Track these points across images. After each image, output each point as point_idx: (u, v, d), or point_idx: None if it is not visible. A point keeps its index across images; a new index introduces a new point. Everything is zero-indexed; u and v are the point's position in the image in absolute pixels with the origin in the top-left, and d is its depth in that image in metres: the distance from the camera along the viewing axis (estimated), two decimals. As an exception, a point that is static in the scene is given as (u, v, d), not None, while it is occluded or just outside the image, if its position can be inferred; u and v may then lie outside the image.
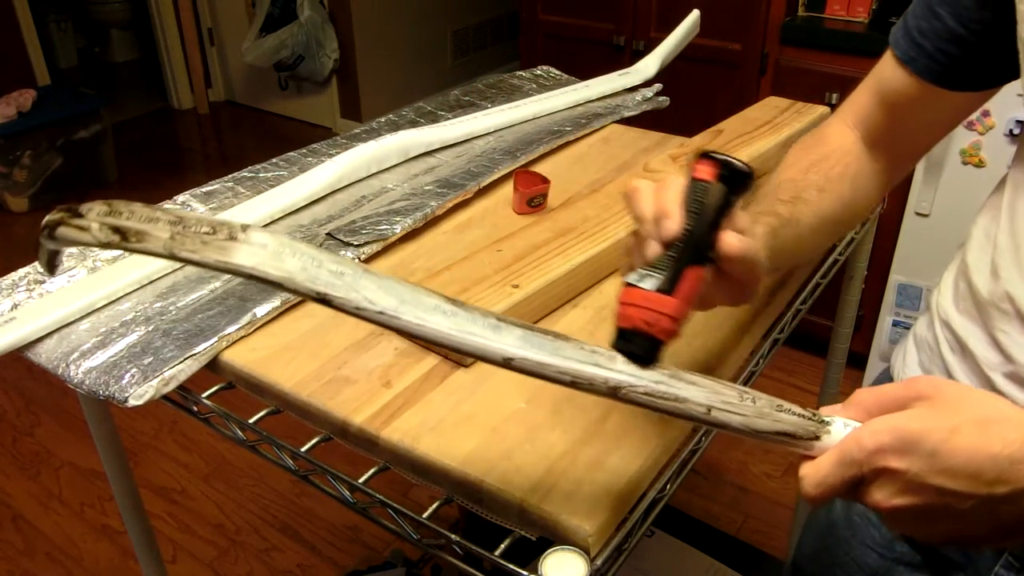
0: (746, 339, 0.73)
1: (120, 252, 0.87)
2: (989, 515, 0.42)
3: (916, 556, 0.67)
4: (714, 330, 0.73)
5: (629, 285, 0.49)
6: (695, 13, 1.37)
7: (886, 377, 0.73)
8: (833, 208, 0.64)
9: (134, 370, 0.69)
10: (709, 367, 0.69)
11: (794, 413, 0.46)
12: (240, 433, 0.71)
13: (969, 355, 0.60)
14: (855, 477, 0.44)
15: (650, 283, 0.48)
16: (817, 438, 0.46)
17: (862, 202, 0.67)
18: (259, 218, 0.91)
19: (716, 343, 0.72)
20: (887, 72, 0.65)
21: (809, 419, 0.46)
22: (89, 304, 0.78)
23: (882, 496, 0.43)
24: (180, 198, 0.97)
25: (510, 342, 0.45)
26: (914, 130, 0.66)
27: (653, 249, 0.49)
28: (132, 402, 0.66)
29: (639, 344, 0.48)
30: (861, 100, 0.68)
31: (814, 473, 0.45)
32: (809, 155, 0.67)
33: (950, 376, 0.62)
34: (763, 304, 0.78)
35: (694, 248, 0.48)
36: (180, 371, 0.69)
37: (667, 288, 0.48)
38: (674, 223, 0.48)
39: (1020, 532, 0.43)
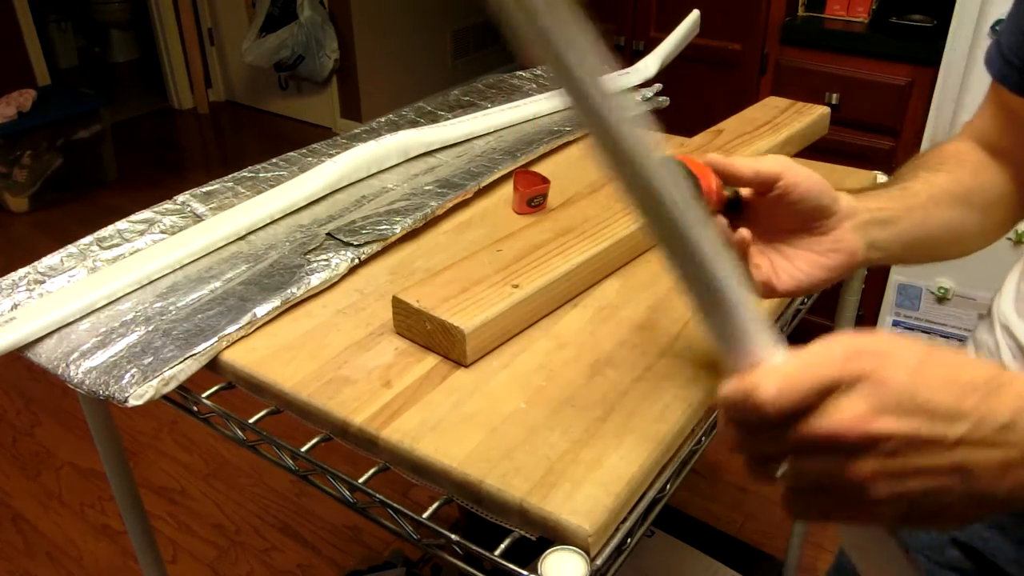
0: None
1: (120, 252, 0.87)
2: (957, 471, 0.36)
3: (967, 562, 0.66)
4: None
5: None
6: (695, 13, 1.37)
7: None
8: (949, 183, 0.63)
9: (134, 370, 0.69)
10: (708, 365, 0.69)
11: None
12: (240, 433, 0.71)
13: None
14: (827, 382, 0.36)
15: None
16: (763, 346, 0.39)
17: (991, 194, 0.65)
18: (259, 218, 0.91)
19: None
20: (993, 92, 0.65)
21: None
22: (89, 304, 0.78)
23: (858, 407, 0.36)
24: (180, 198, 0.97)
25: None
26: None
27: None
28: (132, 402, 0.66)
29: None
30: (976, 120, 0.68)
31: (776, 375, 0.37)
32: (918, 157, 0.67)
33: None
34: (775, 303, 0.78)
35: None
36: (180, 371, 0.69)
37: None
38: None
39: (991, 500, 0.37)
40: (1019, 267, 0.64)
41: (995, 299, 0.66)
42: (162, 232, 0.91)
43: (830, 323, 1.24)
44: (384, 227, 0.88)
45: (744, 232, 0.56)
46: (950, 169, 0.64)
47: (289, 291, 0.78)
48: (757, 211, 0.59)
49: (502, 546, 0.56)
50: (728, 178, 0.57)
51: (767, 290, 0.58)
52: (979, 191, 0.64)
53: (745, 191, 0.59)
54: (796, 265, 0.58)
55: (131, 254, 0.86)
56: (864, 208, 0.58)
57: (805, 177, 0.56)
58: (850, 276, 0.58)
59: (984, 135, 0.67)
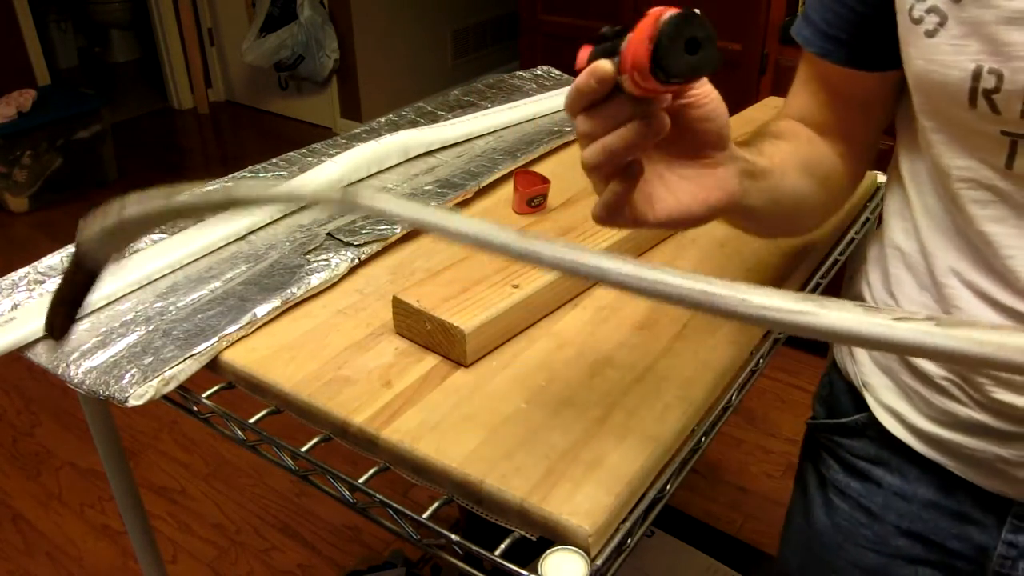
0: (746, 338, 0.73)
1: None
2: None
3: (916, 547, 0.67)
4: (713, 328, 0.73)
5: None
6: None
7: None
8: (795, 151, 0.63)
9: (134, 370, 0.69)
10: (708, 365, 0.69)
11: None
12: (240, 433, 0.71)
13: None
14: None
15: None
16: None
17: (827, 166, 0.65)
18: (259, 218, 0.91)
19: (718, 341, 0.72)
20: (809, 70, 0.65)
21: None
22: (89, 304, 0.78)
23: None
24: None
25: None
26: (855, 117, 0.65)
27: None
28: (132, 402, 0.66)
29: (676, 17, 0.41)
30: (793, 104, 0.68)
31: None
32: (758, 128, 0.67)
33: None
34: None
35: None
36: (180, 371, 0.69)
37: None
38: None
39: None
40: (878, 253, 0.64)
41: (864, 290, 0.67)
42: (162, 232, 0.91)
43: (830, 323, 1.23)
44: (384, 227, 0.88)
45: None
46: (789, 140, 0.64)
47: (289, 291, 0.78)
48: None
49: (502, 546, 0.56)
50: None
51: (638, 219, 0.52)
52: (817, 162, 0.64)
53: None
54: (675, 195, 0.52)
55: (131, 254, 0.86)
56: (741, 155, 0.55)
57: (718, 98, 0.50)
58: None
59: (806, 115, 0.66)
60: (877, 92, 0.62)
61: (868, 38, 0.59)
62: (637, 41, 0.42)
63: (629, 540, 0.57)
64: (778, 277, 0.81)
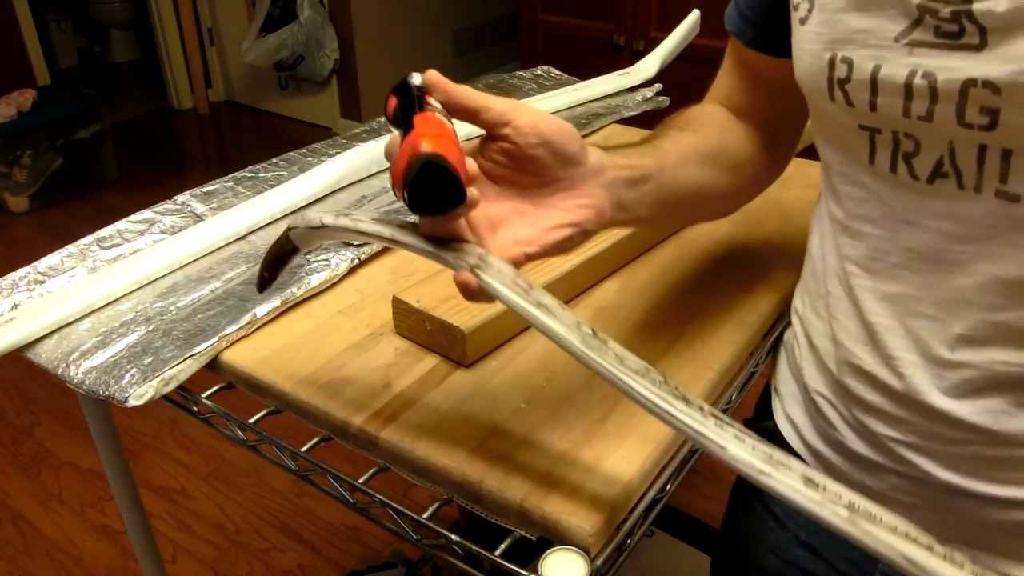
0: (746, 339, 0.73)
1: (120, 252, 0.87)
2: None
3: (812, 561, 0.66)
4: (713, 328, 0.73)
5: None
6: (695, 13, 1.37)
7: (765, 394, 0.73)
8: (697, 143, 0.62)
9: (134, 370, 0.69)
10: (708, 365, 0.69)
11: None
12: (240, 433, 0.71)
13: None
14: None
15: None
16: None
17: (740, 153, 0.65)
18: (259, 218, 0.91)
19: (718, 341, 0.72)
20: (732, 49, 0.66)
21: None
22: (89, 304, 0.78)
23: None
24: (180, 198, 0.97)
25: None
26: (770, 102, 0.65)
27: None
28: (132, 402, 0.66)
29: (416, 169, 0.43)
30: (719, 83, 0.68)
31: None
32: (668, 118, 0.66)
33: (802, 376, 0.62)
34: (765, 304, 0.78)
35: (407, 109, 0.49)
36: (180, 371, 0.69)
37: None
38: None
39: None
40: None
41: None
42: (162, 232, 0.91)
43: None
44: (384, 227, 0.88)
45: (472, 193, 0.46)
46: (697, 128, 0.63)
47: (289, 291, 0.78)
48: (496, 162, 0.50)
49: (502, 546, 0.56)
50: (448, 107, 0.49)
51: (516, 262, 0.51)
52: (727, 150, 0.64)
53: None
54: (538, 227, 0.50)
55: (131, 254, 0.86)
56: (613, 164, 0.53)
57: (544, 120, 0.49)
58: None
59: (728, 96, 0.67)
60: (787, 79, 0.59)
61: (775, 22, 0.58)
62: (396, 172, 0.45)
63: (629, 540, 0.57)
64: (778, 277, 0.81)
